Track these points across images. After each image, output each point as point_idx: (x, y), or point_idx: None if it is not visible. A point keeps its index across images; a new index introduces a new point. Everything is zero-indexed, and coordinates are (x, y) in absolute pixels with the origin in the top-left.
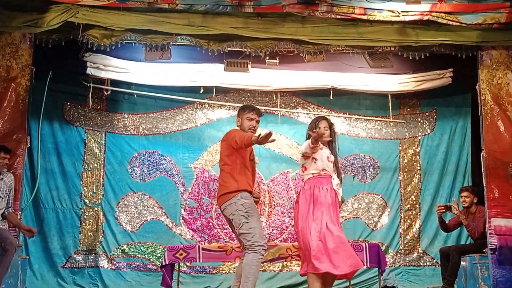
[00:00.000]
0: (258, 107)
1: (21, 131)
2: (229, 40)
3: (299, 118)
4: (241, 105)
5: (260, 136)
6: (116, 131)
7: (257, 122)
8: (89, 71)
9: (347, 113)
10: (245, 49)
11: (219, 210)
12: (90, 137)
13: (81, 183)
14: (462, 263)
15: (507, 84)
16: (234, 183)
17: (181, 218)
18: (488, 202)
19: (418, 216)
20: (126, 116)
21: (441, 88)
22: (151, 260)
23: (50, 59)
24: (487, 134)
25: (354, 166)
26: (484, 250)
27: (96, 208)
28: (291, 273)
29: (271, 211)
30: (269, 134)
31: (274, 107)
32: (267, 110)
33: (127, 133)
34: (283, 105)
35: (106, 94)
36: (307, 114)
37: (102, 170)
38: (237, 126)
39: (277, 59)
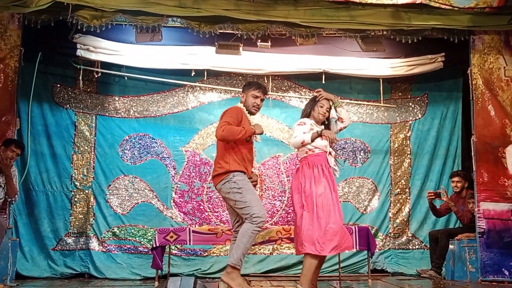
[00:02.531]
0: None
1: (10, 113)
2: (221, 22)
3: (291, 102)
4: (232, 88)
5: (246, 134)
6: (107, 114)
7: (262, 100)
8: (79, 52)
9: (338, 97)
10: (237, 32)
11: (216, 190)
12: (80, 119)
13: (72, 165)
14: (450, 246)
15: (498, 69)
16: (226, 164)
17: (172, 201)
18: (477, 186)
19: (407, 200)
20: (117, 98)
21: (433, 72)
22: (142, 242)
23: (39, 40)
24: (478, 119)
25: (345, 150)
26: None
27: (86, 191)
28: (281, 256)
29: (262, 195)
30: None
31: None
32: None
33: (117, 116)
34: (274, 88)
35: (96, 76)
36: (299, 98)
37: (93, 153)
38: (241, 102)
39: (269, 42)
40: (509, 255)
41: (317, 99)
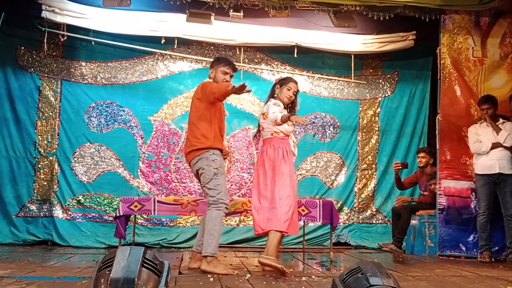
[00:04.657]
0: None
1: None
2: None
3: (263, 74)
4: (203, 58)
5: (235, 87)
6: (73, 79)
7: (231, 77)
8: (44, 14)
9: (310, 72)
10: (209, 0)
11: (187, 163)
12: (45, 84)
13: (36, 131)
14: (411, 221)
15: (467, 49)
16: (206, 140)
17: (139, 170)
18: (440, 164)
19: (373, 176)
20: (84, 64)
21: (404, 50)
22: (108, 211)
23: (2, 0)
24: (444, 98)
25: (314, 125)
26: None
27: (51, 158)
28: (247, 227)
29: (230, 167)
30: (244, 85)
31: (238, 62)
32: None
33: (84, 82)
34: (246, 60)
35: (62, 39)
36: (271, 70)
37: (58, 119)
38: (210, 78)
39: (241, 12)
40: (467, 231)
41: (288, 83)
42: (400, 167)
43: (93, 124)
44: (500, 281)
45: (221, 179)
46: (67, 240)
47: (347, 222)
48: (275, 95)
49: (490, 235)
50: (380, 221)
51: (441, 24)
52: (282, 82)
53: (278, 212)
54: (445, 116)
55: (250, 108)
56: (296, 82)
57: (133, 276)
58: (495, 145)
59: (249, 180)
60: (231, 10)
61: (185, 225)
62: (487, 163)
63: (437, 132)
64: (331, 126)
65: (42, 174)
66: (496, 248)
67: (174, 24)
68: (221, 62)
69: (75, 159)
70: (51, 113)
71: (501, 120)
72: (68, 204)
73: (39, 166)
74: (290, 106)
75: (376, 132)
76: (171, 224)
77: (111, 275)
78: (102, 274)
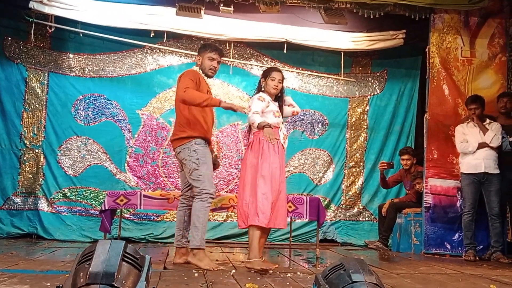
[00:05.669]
0: None
1: None
2: None
3: (252, 70)
4: (193, 52)
5: (223, 104)
6: (60, 71)
7: (218, 63)
8: (32, 5)
9: (300, 69)
10: None
11: (174, 152)
12: (31, 75)
13: (21, 123)
14: (397, 219)
15: (456, 49)
16: (189, 129)
17: (126, 164)
18: (427, 162)
19: (361, 173)
20: (72, 56)
21: (393, 49)
22: (94, 205)
23: None
24: (432, 97)
25: (303, 122)
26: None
27: (36, 150)
28: (234, 223)
29: (218, 162)
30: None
31: (227, 57)
32: None
33: (71, 74)
34: (236, 56)
35: (50, 31)
36: (260, 66)
37: (44, 111)
38: (197, 65)
39: (232, 7)
40: (452, 230)
41: (270, 73)
42: (386, 167)
43: (80, 117)
44: (484, 279)
45: (203, 169)
46: (52, 234)
47: (334, 219)
48: (262, 89)
49: (475, 234)
50: (366, 219)
51: (431, 23)
52: (265, 74)
53: (257, 206)
54: (433, 115)
55: (239, 104)
56: (279, 71)
57: (113, 270)
58: (481, 145)
59: (237, 175)
60: (222, 5)
61: (172, 220)
62: (472, 162)
63: (424, 131)
64: (320, 123)
65: (27, 166)
66: (481, 246)
67: (164, 18)
68: (208, 48)
69: (62, 152)
70: (37, 105)
71: (488, 120)
72: (54, 197)
73: (25, 158)
74: (280, 96)
75: (365, 130)
76: (157, 219)
77: (90, 268)
78: (81, 268)
